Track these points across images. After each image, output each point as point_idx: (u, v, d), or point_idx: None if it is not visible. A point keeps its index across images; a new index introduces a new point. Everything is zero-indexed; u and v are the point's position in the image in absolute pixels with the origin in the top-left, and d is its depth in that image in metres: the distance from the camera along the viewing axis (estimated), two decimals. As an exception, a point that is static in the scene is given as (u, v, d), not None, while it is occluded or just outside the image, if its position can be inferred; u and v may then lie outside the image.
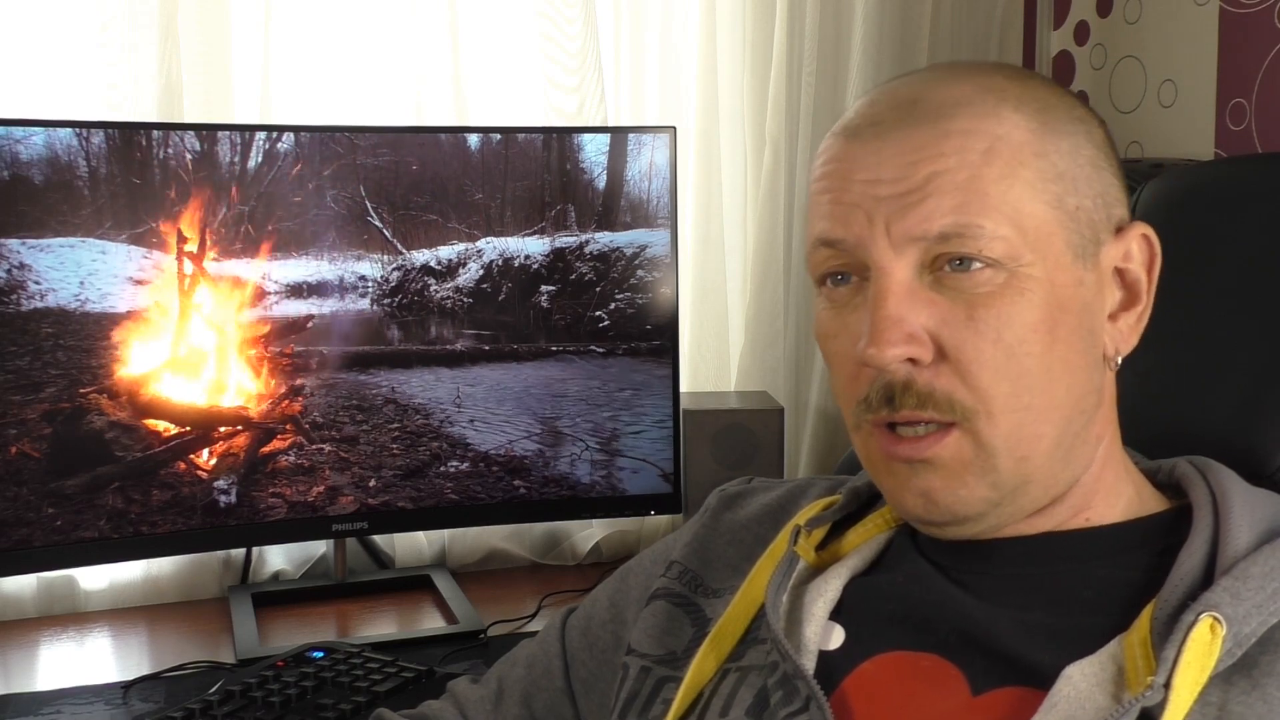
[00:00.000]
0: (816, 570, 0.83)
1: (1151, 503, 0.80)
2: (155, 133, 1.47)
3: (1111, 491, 0.78)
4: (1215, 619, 0.66)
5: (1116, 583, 0.74)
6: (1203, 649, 0.65)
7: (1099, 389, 0.77)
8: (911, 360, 0.72)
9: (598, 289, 1.63)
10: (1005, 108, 0.74)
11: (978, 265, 0.71)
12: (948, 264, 0.72)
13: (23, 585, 1.60)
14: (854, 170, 0.74)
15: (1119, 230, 0.77)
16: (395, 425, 1.59)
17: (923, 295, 0.72)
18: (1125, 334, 0.78)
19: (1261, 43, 1.62)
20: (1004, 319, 0.71)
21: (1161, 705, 0.64)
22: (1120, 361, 0.78)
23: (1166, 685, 0.64)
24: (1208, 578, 0.70)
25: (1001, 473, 0.73)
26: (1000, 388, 0.72)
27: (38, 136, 1.41)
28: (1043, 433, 0.73)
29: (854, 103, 0.80)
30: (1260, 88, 1.62)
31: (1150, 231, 0.78)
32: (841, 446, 1.84)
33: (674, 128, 1.64)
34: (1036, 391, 0.72)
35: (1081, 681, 0.67)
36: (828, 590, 0.80)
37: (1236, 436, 0.89)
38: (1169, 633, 0.66)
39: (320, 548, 1.73)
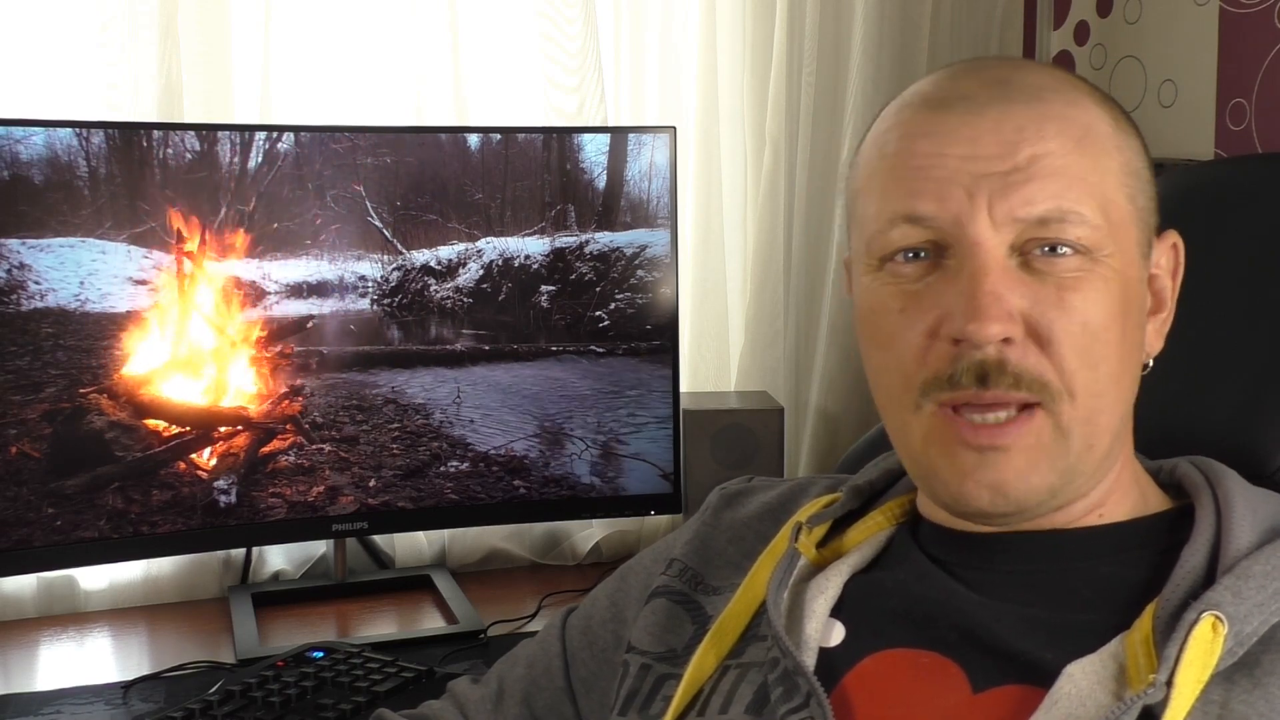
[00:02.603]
0: (817, 567, 0.83)
1: (1155, 502, 0.80)
2: (155, 133, 1.47)
3: (1124, 491, 0.79)
4: (1217, 618, 0.66)
5: (1118, 581, 0.74)
6: (1204, 647, 0.65)
7: (1135, 388, 0.78)
8: (1004, 340, 0.71)
9: (598, 289, 1.63)
10: (1088, 100, 0.75)
11: (1067, 251, 0.72)
12: (1038, 248, 0.72)
13: (23, 585, 1.60)
14: (946, 144, 0.73)
15: (1157, 236, 0.79)
16: (395, 425, 1.59)
17: (1015, 274, 0.72)
18: (1153, 338, 0.79)
19: (1261, 43, 1.62)
20: (1090, 305, 0.72)
21: (1163, 703, 0.64)
22: (1151, 364, 0.79)
23: (1168, 683, 0.64)
24: (1210, 577, 0.70)
25: (1071, 458, 0.73)
26: (1083, 373, 0.72)
27: (38, 136, 1.41)
28: (1108, 424, 0.74)
29: (922, 80, 0.78)
30: (1260, 88, 1.62)
31: (1179, 240, 0.80)
32: (841, 447, 1.84)
33: (674, 128, 1.64)
34: (1109, 381, 0.73)
35: (1083, 679, 0.67)
36: (828, 587, 0.80)
37: (1236, 436, 0.89)
38: (1171, 631, 0.67)
39: (320, 548, 1.73)
